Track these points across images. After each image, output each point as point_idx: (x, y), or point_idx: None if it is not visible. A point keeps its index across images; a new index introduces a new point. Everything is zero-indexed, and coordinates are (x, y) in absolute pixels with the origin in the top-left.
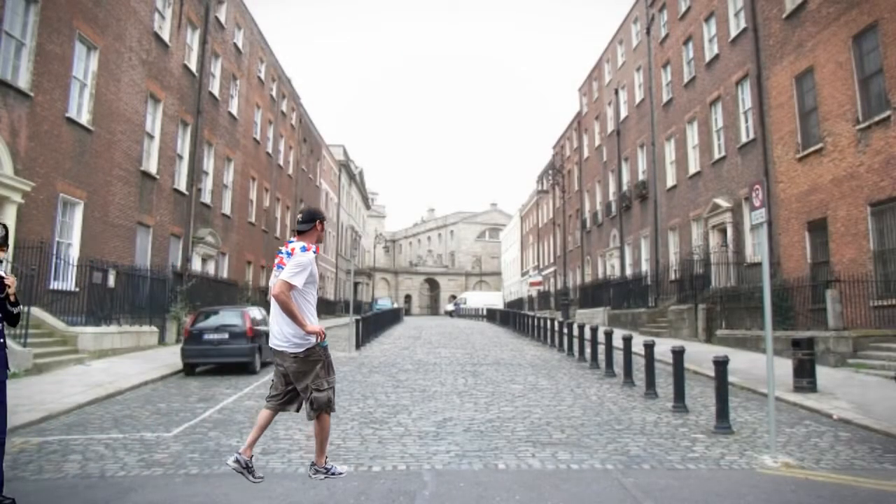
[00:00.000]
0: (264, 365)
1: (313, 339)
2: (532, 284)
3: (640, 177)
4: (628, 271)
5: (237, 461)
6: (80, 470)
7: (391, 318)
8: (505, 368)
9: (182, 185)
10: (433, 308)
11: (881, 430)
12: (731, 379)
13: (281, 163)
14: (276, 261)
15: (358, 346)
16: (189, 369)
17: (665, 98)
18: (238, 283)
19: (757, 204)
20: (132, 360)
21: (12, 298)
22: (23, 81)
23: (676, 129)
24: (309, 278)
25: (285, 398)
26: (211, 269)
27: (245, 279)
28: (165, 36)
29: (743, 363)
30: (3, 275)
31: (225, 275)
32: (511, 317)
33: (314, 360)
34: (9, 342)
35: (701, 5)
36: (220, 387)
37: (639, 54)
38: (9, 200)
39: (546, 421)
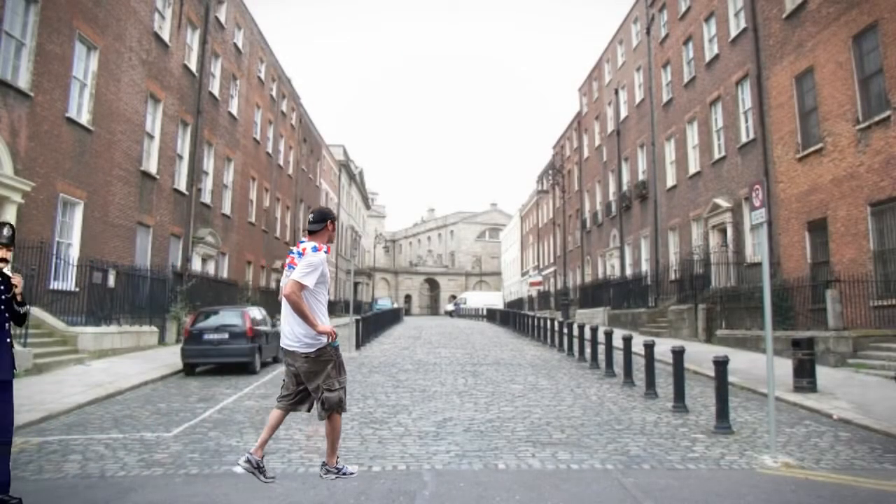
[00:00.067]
0: (264, 365)
1: (324, 339)
2: (532, 284)
3: (640, 177)
4: (628, 271)
5: (248, 461)
6: (80, 470)
7: (391, 318)
8: (505, 368)
9: (182, 185)
10: (433, 308)
11: (881, 430)
12: (731, 379)
13: (281, 163)
14: (287, 261)
15: (358, 346)
16: (189, 369)
17: (665, 98)
18: (238, 283)
19: (757, 204)
20: (132, 360)
21: (19, 298)
22: (23, 81)
23: (676, 129)
24: (320, 278)
25: (296, 398)
26: (211, 269)
27: (245, 279)
28: (165, 36)
29: (743, 363)
30: (10, 274)
31: (225, 275)
32: (511, 317)
33: (325, 360)
34: None
35: (701, 5)
36: (220, 387)
37: (639, 54)
38: (9, 200)
39: (546, 421)
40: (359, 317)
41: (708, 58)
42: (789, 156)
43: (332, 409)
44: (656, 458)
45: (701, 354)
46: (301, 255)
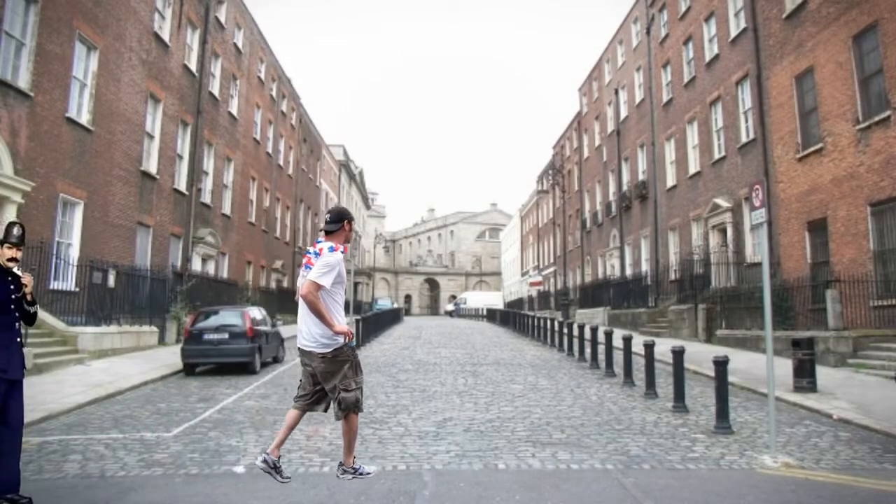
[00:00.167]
0: (264, 365)
1: (341, 340)
2: (532, 284)
3: (640, 177)
4: (628, 271)
5: (265, 461)
6: (80, 470)
7: (391, 318)
8: (505, 368)
9: (182, 185)
10: (433, 308)
11: (881, 430)
12: (731, 379)
13: (281, 163)
14: (304, 261)
15: (358, 346)
16: (189, 369)
17: (665, 98)
18: (238, 283)
19: (757, 204)
20: (132, 360)
21: (29, 297)
22: (23, 81)
23: (676, 129)
24: (337, 278)
25: (313, 398)
26: (211, 269)
27: (245, 279)
28: (165, 36)
29: (743, 363)
30: (20, 273)
31: (225, 275)
32: (511, 317)
33: (342, 360)
34: None
35: (701, 5)
36: (220, 387)
37: (639, 54)
38: (9, 200)
39: (546, 421)
40: (359, 317)
41: (708, 58)
42: (789, 156)
43: (349, 409)
44: (656, 458)
45: (701, 354)
46: (318, 255)
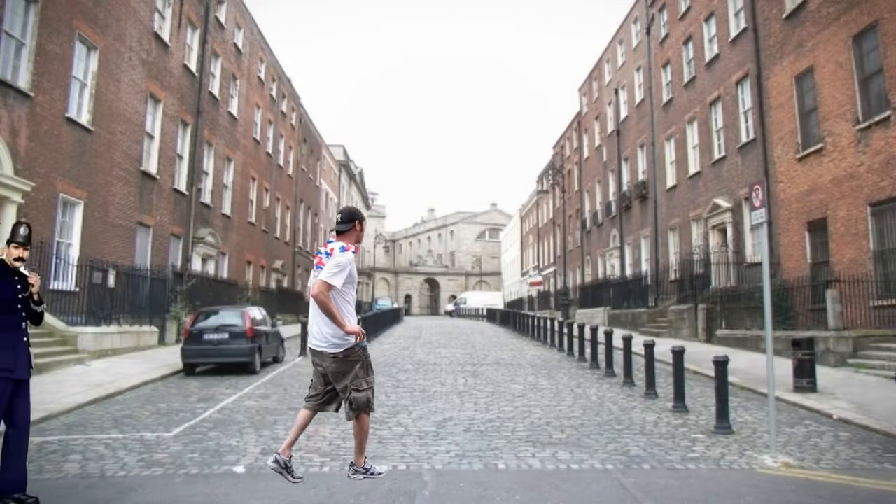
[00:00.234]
0: (264, 365)
1: (352, 340)
2: (532, 284)
3: (640, 177)
4: (628, 271)
5: (276, 461)
6: (80, 470)
7: (391, 318)
8: (505, 368)
9: (182, 185)
10: (433, 308)
11: (881, 430)
12: (731, 379)
13: (281, 163)
14: (315, 261)
15: None
16: (189, 369)
17: (665, 98)
18: (238, 283)
19: (757, 204)
20: (132, 360)
21: (36, 297)
22: (23, 81)
23: (676, 129)
24: (348, 279)
25: (324, 398)
26: (211, 269)
27: (245, 279)
28: (165, 36)
29: (743, 363)
30: (27, 273)
31: (225, 275)
32: (511, 317)
33: (353, 360)
34: None
35: (701, 5)
36: (220, 387)
37: (639, 54)
38: (9, 200)
39: (546, 421)
40: (359, 317)
41: (708, 58)
42: (789, 156)
43: (360, 410)
44: (656, 458)
45: (701, 354)
46: (329, 255)
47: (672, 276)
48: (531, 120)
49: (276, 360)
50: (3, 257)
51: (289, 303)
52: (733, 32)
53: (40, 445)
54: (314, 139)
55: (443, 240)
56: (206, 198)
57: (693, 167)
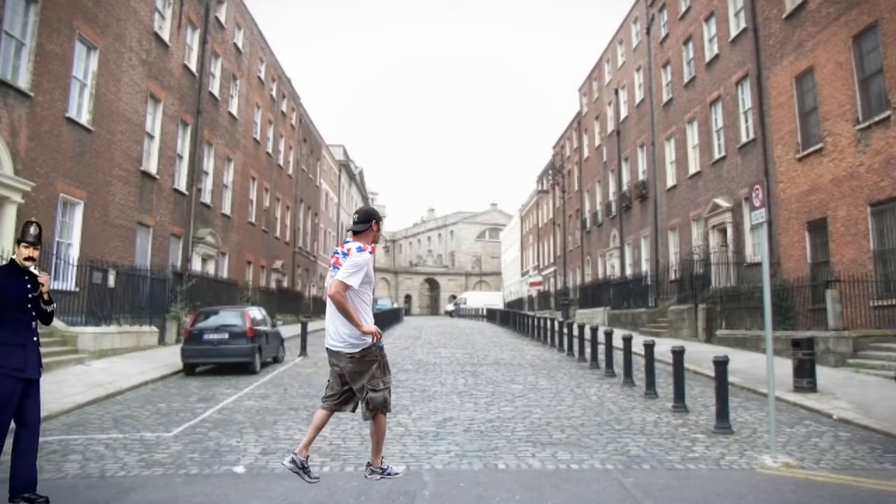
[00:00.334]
0: (264, 365)
1: (369, 340)
2: (532, 284)
3: (640, 177)
4: (628, 271)
5: (293, 461)
6: (80, 470)
7: (391, 318)
8: (505, 368)
9: (182, 185)
10: (433, 308)
11: (881, 430)
12: (731, 379)
13: (281, 163)
14: (332, 261)
15: None
16: (189, 369)
17: (665, 98)
18: (238, 283)
19: (757, 204)
20: (132, 360)
21: (46, 297)
22: (23, 81)
23: (676, 129)
24: (365, 279)
25: (341, 398)
26: (211, 269)
27: (245, 279)
28: (165, 36)
29: (743, 363)
30: (37, 273)
31: (225, 275)
32: (511, 317)
33: (370, 360)
34: None
35: (701, 5)
36: (220, 387)
37: (639, 54)
38: (9, 200)
39: (546, 421)
40: None
41: (708, 58)
42: (789, 156)
43: (377, 410)
44: (656, 458)
45: (701, 354)
46: (346, 255)
47: (672, 276)
48: (531, 120)
49: (276, 360)
50: (14, 257)
51: (289, 303)
52: (733, 32)
53: (40, 445)
54: (314, 139)
55: (443, 240)
56: (206, 198)
57: (693, 167)
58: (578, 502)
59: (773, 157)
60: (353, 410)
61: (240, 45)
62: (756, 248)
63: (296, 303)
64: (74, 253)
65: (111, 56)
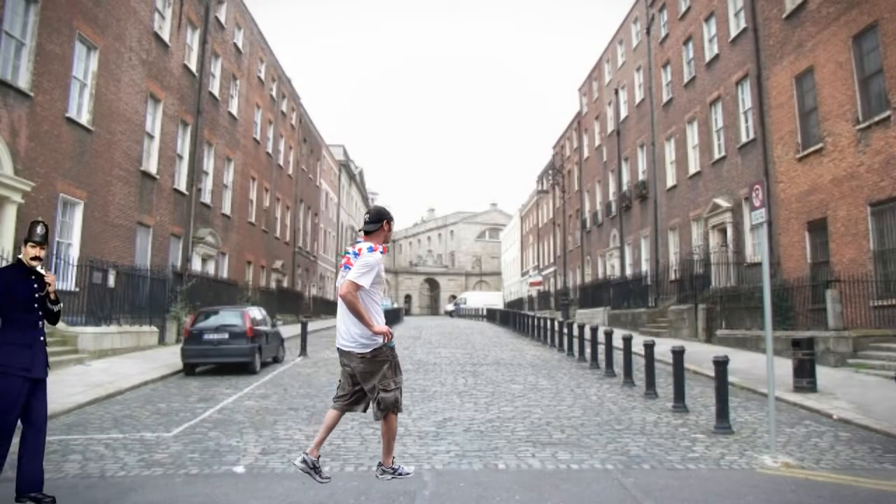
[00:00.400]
0: (264, 365)
1: (380, 340)
2: (532, 284)
3: (640, 177)
4: (628, 271)
5: (304, 461)
6: (80, 470)
7: (391, 318)
8: (505, 368)
9: (182, 185)
10: (433, 308)
11: (881, 430)
12: (731, 379)
13: (281, 163)
14: (343, 261)
15: None
16: (189, 369)
17: (665, 98)
18: (238, 283)
19: (757, 204)
20: (132, 360)
21: (52, 296)
22: (23, 81)
23: (676, 129)
24: (376, 279)
25: (352, 398)
26: (211, 269)
27: (245, 279)
28: (165, 36)
29: (743, 363)
30: (44, 272)
31: (225, 275)
32: (511, 317)
33: (381, 360)
34: None
35: (701, 5)
36: (220, 387)
37: (639, 54)
38: (9, 200)
39: (546, 421)
40: None
41: (708, 58)
42: (789, 156)
43: (388, 410)
44: (656, 458)
45: (701, 354)
46: (357, 255)
47: (672, 276)
48: (531, 120)
49: (276, 360)
50: (20, 256)
51: (289, 303)
52: (733, 32)
53: None
54: (314, 139)
55: (443, 240)
56: (206, 198)
57: (693, 167)
58: (578, 502)
59: (773, 157)
60: (365, 410)
61: (240, 45)
62: (756, 248)
63: (296, 303)
64: (74, 253)
65: (111, 56)
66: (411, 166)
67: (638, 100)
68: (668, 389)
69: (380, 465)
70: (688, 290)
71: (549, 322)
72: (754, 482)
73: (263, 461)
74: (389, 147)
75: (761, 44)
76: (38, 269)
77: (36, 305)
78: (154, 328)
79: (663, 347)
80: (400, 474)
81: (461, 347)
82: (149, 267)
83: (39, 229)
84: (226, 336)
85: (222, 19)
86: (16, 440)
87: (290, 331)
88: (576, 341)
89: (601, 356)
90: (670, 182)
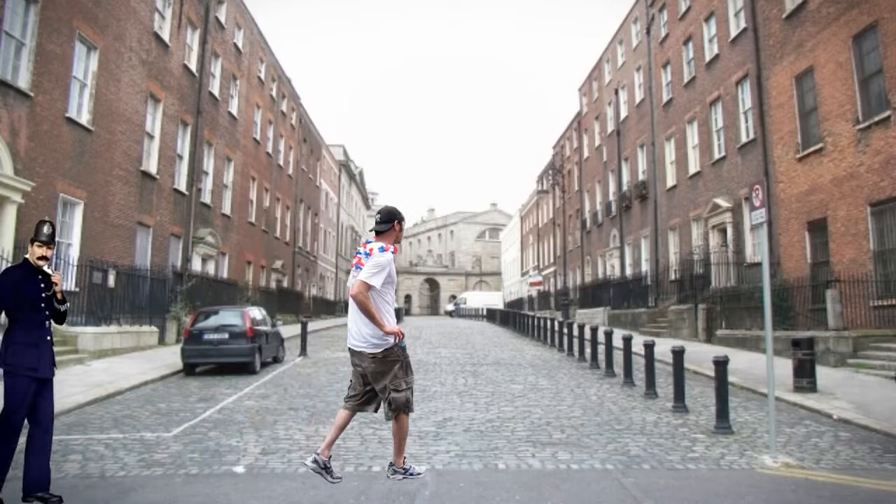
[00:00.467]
0: (264, 365)
1: (391, 340)
2: (532, 284)
3: (640, 177)
4: (628, 271)
5: (315, 461)
6: (80, 470)
7: None
8: (505, 368)
9: (182, 185)
10: (433, 308)
11: (881, 430)
12: (731, 379)
13: (281, 163)
14: (354, 261)
15: None
16: (189, 369)
17: (665, 98)
18: (238, 283)
19: (757, 204)
20: (132, 360)
21: (59, 296)
22: (23, 81)
23: (676, 129)
24: (387, 279)
25: (363, 398)
26: (211, 269)
27: (245, 279)
28: (165, 36)
29: (743, 363)
30: (50, 272)
31: (225, 275)
32: (511, 317)
33: (392, 360)
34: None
35: (701, 5)
36: (220, 387)
37: (639, 54)
38: (9, 200)
39: (546, 421)
40: None
41: (708, 58)
42: (789, 156)
43: (399, 410)
44: (656, 458)
45: (701, 354)
46: (368, 255)
47: (672, 276)
48: (531, 120)
49: (276, 360)
50: (27, 256)
51: (289, 303)
52: (733, 32)
53: None
54: (314, 139)
55: (443, 240)
56: (206, 198)
57: (693, 167)
58: (578, 502)
59: (773, 157)
60: (376, 411)
61: (240, 45)
62: (756, 248)
63: (296, 303)
64: (74, 253)
65: (111, 56)
66: (411, 166)
67: (638, 100)
68: (668, 389)
69: (391, 465)
70: (688, 290)
71: (549, 322)
72: (754, 482)
73: (263, 461)
74: (389, 147)
75: (761, 44)
76: (45, 268)
77: (43, 305)
78: (154, 328)
79: (663, 347)
80: (411, 474)
81: (461, 347)
82: (149, 267)
83: (46, 229)
84: (226, 336)
85: (222, 19)
86: (22, 439)
87: (290, 331)
88: (576, 341)
89: (601, 356)
90: (670, 182)
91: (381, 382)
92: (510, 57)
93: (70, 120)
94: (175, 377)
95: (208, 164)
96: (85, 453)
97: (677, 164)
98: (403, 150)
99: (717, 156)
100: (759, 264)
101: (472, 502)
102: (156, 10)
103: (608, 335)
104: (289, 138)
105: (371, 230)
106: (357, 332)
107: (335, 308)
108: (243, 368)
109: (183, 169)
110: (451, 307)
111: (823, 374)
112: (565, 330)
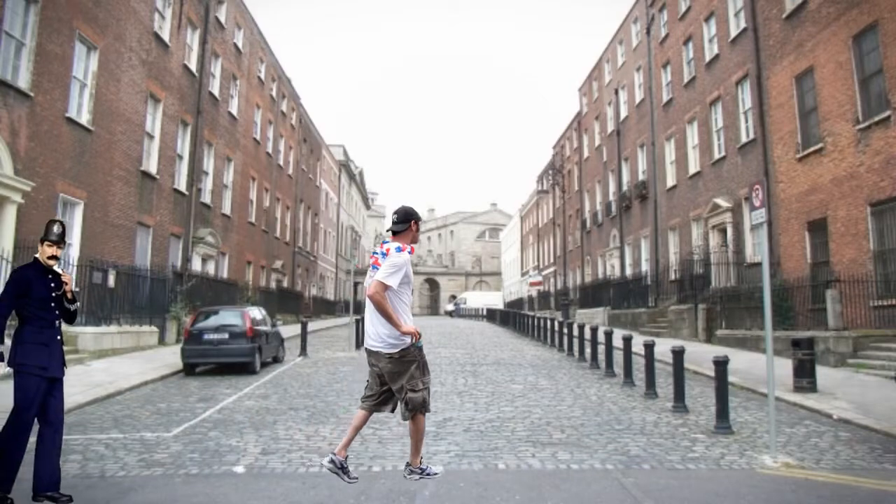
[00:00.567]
0: (264, 365)
1: (408, 340)
2: (532, 284)
3: (640, 177)
4: (628, 271)
5: (332, 462)
6: (80, 470)
7: None
8: (505, 368)
9: (182, 185)
10: (433, 308)
11: (881, 430)
12: (731, 379)
13: (281, 163)
14: (371, 261)
15: (358, 346)
16: (189, 369)
17: (665, 98)
18: (238, 283)
19: (757, 204)
20: (132, 360)
21: (69, 296)
22: (23, 81)
23: (676, 129)
24: (404, 279)
25: (380, 398)
26: (211, 269)
27: (245, 279)
28: (165, 36)
29: (743, 363)
30: (60, 272)
31: (225, 275)
32: (511, 317)
33: (409, 360)
34: (7, 342)
35: (701, 5)
36: (220, 387)
37: (639, 54)
38: (9, 200)
39: (546, 421)
40: (359, 317)
41: (708, 58)
42: (789, 156)
43: (416, 410)
44: (656, 458)
45: (701, 354)
46: (385, 255)
47: (672, 276)
48: (531, 120)
49: (276, 360)
50: (37, 255)
51: (289, 303)
52: (733, 32)
53: None
54: (314, 139)
55: (443, 240)
56: (206, 198)
57: (693, 167)
58: (578, 502)
59: (773, 157)
60: (392, 411)
61: (240, 45)
62: (756, 248)
63: (296, 303)
64: (74, 253)
65: (111, 56)
66: (411, 166)
67: (638, 100)
68: (668, 389)
69: (408, 465)
70: (688, 290)
71: (549, 322)
72: (754, 482)
73: (263, 461)
74: (389, 147)
75: (761, 44)
76: (55, 268)
77: (53, 304)
78: (154, 328)
79: (663, 347)
80: (428, 474)
81: (461, 347)
82: (149, 267)
83: (56, 228)
84: (226, 336)
85: (222, 19)
86: (32, 439)
87: (290, 331)
88: (576, 341)
89: (601, 356)
90: (670, 182)
91: (398, 382)
92: (510, 57)
93: (70, 120)
94: (175, 377)
95: (208, 164)
96: (85, 453)
97: (677, 164)
98: (403, 150)
99: (717, 156)
100: (759, 264)
101: (472, 502)
102: (156, 10)
103: (608, 335)
104: (289, 138)
105: (388, 230)
106: (374, 332)
107: (335, 308)
108: (243, 368)
109: (183, 169)
110: (451, 307)
111: (823, 374)
112: (565, 330)
